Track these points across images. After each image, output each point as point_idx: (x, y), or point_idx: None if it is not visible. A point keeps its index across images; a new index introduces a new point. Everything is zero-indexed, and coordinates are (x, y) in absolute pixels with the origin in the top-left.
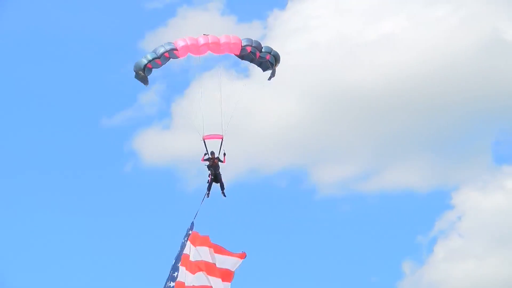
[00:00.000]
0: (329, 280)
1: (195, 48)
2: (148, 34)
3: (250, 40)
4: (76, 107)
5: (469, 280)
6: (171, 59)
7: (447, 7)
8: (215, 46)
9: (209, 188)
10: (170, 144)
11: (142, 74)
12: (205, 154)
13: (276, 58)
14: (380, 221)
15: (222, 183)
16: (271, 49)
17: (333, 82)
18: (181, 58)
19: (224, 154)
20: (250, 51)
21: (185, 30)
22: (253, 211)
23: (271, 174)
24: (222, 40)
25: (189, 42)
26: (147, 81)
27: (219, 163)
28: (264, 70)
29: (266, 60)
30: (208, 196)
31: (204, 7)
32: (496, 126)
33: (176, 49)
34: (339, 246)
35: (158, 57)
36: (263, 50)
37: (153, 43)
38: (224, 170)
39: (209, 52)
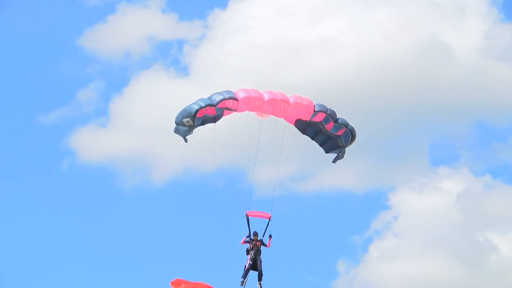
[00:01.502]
0: (265, 279)
1: (257, 104)
2: (86, 31)
3: (324, 106)
4: (12, 103)
5: (403, 280)
6: (225, 111)
7: (387, 10)
8: (283, 106)
9: (244, 276)
10: (107, 143)
11: (191, 123)
12: (247, 237)
13: (352, 135)
14: (317, 221)
15: (261, 272)
16: (348, 123)
17: (273, 83)
18: (238, 112)
19: (270, 237)
20: (322, 120)
21: (125, 27)
22: (190, 211)
23: (207, 174)
24: (292, 100)
25: (252, 95)
26: (190, 132)
27: (262, 247)
28: (327, 151)
29: (337, 136)
30: (242, 286)
31: (144, 4)
32: (432, 129)
33: (235, 99)
34: (275, 246)
35: (214, 105)
36: (338, 121)
37: (92, 40)
38: (160, 169)
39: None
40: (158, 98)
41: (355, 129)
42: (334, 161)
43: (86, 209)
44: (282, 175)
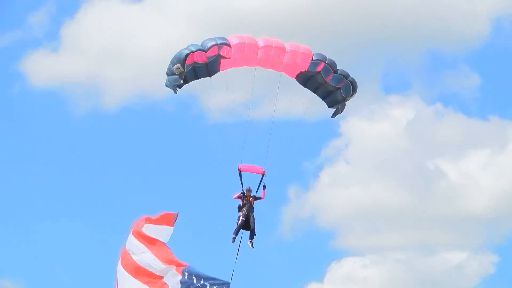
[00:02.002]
0: (215, 205)
1: (251, 50)
2: None
3: (323, 55)
4: None
5: (352, 205)
6: (221, 62)
7: None
8: (278, 53)
9: (236, 232)
10: (58, 67)
11: (181, 69)
12: (241, 194)
13: (353, 87)
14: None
15: (254, 230)
16: (348, 74)
17: (224, 7)
18: (230, 59)
19: (264, 187)
20: (321, 70)
21: None
22: (141, 136)
23: (159, 99)
24: (289, 47)
25: (246, 41)
26: (180, 81)
27: (255, 201)
28: (330, 105)
29: (337, 88)
30: (233, 241)
31: None
32: (385, 57)
33: (228, 45)
34: (227, 171)
35: (204, 50)
36: (338, 72)
37: None
38: (111, 94)
39: (264, 60)
40: (110, 23)
41: (356, 81)
42: (333, 116)
43: (37, 133)
44: (234, 103)
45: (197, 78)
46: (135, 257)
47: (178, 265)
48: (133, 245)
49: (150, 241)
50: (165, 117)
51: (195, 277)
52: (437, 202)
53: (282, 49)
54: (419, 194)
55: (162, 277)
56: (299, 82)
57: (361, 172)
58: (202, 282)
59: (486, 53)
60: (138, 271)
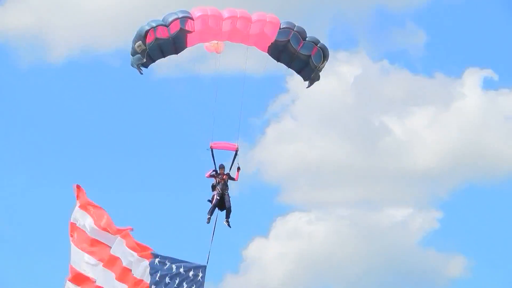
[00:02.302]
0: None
1: (215, 23)
2: None
3: (291, 23)
4: None
5: (298, 160)
6: (187, 38)
7: None
8: (244, 24)
9: (211, 212)
10: (1, 19)
11: (143, 46)
12: (213, 171)
13: (324, 54)
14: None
15: (229, 208)
16: (318, 40)
17: None
18: (193, 33)
19: (238, 169)
20: (290, 38)
21: None
22: (86, 90)
23: (105, 53)
24: (255, 17)
25: (210, 12)
26: (143, 60)
27: (229, 181)
28: (305, 77)
29: (309, 56)
30: (208, 222)
31: None
32: (332, 13)
33: (191, 18)
34: (175, 122)
35: (166, 25)
36: (307, 39)
37: None
38: (56, 47)
39: (231, 33)
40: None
41: (326, 47)
42: (308, 86)
43: None
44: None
45: (164, 56)
46: (79, 224)
47: (119, 232)
48: (79, 214)
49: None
50: (111, 71)
51: (168, 261)
52: (382, 158)
53: (248, 19)
54: (365, 150)
55: (110, 247)
56: (273, 57)
57: (308, 128)
58: (175, 267)
59: (432, 10)
60: (81, 239)
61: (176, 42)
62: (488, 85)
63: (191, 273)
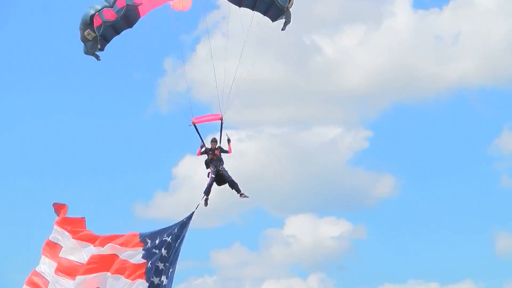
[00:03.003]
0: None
1: None
2: None
3: None
4: None
5: (229, 79)
6: (130, 7)
7: None
8: None
9: (207, 192)
10: None
11: (93, 34)
12: (201, 147)
13: None
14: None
15: (233, 181)
16: None
17: None
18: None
19: (229, 141)
20: None
21: None
22: None
23: None
24: None
25: None
26: (98, 46)
27: (222, 154)
28: (274, 19)
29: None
30: (206, 204)
31: None
32: None
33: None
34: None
35: (111, 6)
36: None
37: None
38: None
39: None
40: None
41: None
42: (283, 29)
43: None
44: None
45: (118, 33)
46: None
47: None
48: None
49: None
50: None
51: (158, 236)
52: (313, 77)
53: None
54: (296, 69)
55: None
56: (234, 3)
57: (239, 46)
58: (162, 239)
59: None
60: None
61: (129, 17)
62: (418, 4)
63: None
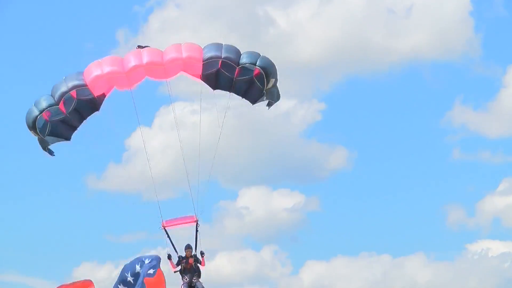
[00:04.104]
0: None
1: (121, 77)
2: None
3: (218, 46)
4: None
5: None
6: (84, 99)
7: None
8: (156, 68)
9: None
10: None
11: (37, 135)
12: (176, 261)
13: (267, 72)
14: None
15: None
16: (258, 56)
17: None
18: (100, 96)
19: (202, 254)
20: (221, 67)
21: None
22: None
23: None
24: (169, 55)
25: (110, 69)
26: (48, 146)
27: (197, 265)
28: (253, 101)
29: (253, 79)
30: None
31: None
32: None
33: (85, 85)
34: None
35: (57, 103)
36: (243, 61)
37: None
38: None
39: (147, 77)
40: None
41: (270, 61)
42: (268, 106)
43: None
44: None
45: (83, 119)
46: None
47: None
48: None
49: None
50: None
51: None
52: (266, 49)
53: (158, 64)
54: (249, 41)
55: None
56: (208, 84)
57: (192, 17)
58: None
59: None
60: None
61: (88, 107)
62: None
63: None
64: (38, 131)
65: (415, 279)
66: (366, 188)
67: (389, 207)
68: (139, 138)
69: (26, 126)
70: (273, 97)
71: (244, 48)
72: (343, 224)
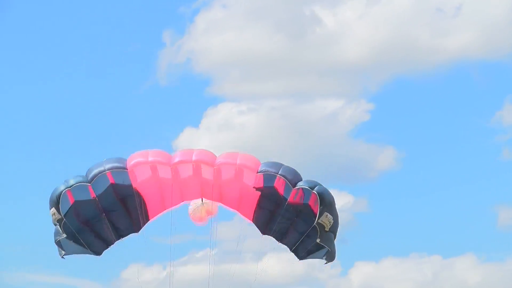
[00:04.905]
0: None
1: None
2: None
3: (276, 165)
4: None
5: (228, 51)
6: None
7: None
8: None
9: None
10: None
11: (58, 215)
12: None
13: (324, 200)
14: None
15: None
16: (316, 183)
17: None
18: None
19: None
20: (285, 187)
21: None
22: None
23: None
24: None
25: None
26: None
27: None
28: (301, 251)
29: (311, 210)
30: None
31: None
32: None
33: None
34: None
35: (89, 182)
36: (301, 185)
37: None
38: None
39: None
40: None
41: (327, 192)
42: (326, 261)
43: None
44: None
45: (119, 236)
46: None
47: None
48: None
49: None
50: None
51: None
52: (313, 49)
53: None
54: (295, 41)
55: None
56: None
57: (238, 17)
58: None
59: None
60: None
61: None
62: None
63: None
64: (59, 209)
65: (465, 280)
66: (415, 188)
67: (438, 207)
68: (186, 139)
69: (51, 205)
70: (333, 254)
71: (290, 48)
72: (392, 224)
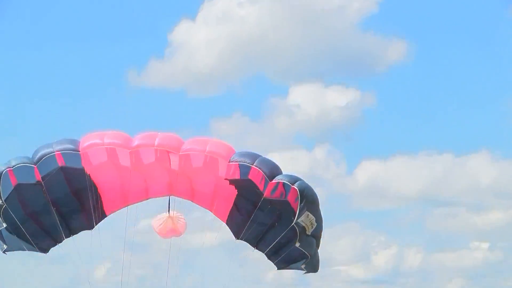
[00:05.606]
0: None
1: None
2: None
3: (252, 155)
4: None
5: None
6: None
7: None
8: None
9: None
10: None
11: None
12: None
13: (305, 197)
14: None
15: None
16: (297, 178)
17: None
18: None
19: None
20: (262, 179)
21: None
22: None
23: None
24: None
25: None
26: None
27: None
28: (278, 258)
29: (290, 208)
30: None
31: None
32: None
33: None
34: None
35: (34, 163)
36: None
37: None
38: None
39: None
40: None
41: (309, 188)
42: (305, 270)
43: None
44: None
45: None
46: None
47: None
48: None
49: None
50: None
51: None
52: None
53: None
54: None
55: None
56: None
57: None
58: None
59: None
60: None
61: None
62: None
63: None
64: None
65: (479, 178)
66: (427, 82)
67: (451, 102)
68: (182, 32)
69: None
70: (315, 262)
71: None
72: (402, 121)
